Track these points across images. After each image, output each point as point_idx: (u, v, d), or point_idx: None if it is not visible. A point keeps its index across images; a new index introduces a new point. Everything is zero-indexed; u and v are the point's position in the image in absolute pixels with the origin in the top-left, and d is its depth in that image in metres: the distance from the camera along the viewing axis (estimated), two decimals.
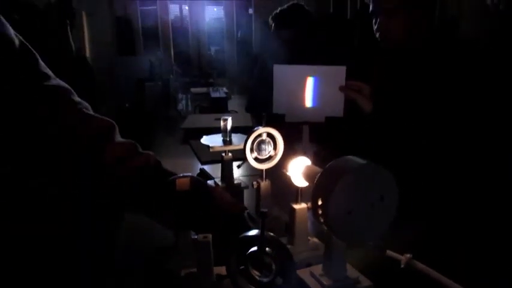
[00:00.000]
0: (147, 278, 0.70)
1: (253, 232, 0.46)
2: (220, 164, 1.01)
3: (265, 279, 0.45)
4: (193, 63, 5.88)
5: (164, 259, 0.71)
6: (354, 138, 1.31)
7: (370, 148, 0.99)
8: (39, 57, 0.75)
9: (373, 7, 1.30)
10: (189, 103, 2.81)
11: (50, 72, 0.76)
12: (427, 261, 0.62)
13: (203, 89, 3.18)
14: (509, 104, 1.11)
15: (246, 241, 0.45)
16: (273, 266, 0.45)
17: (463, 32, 1.02)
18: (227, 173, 0.98)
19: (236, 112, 2.42)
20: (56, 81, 0.77)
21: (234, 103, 2.86)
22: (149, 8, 6.45)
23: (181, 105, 2.73)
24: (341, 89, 1.20)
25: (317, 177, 0.54)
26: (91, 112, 0.78)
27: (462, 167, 1.07)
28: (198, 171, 1.23)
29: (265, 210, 0.45)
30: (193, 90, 3.16)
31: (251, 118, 2.05)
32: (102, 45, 5.37)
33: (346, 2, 3.86)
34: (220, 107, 2.45)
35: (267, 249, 0.45)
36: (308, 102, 1.23)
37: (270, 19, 2.22)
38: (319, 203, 0.51)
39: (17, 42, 0.71)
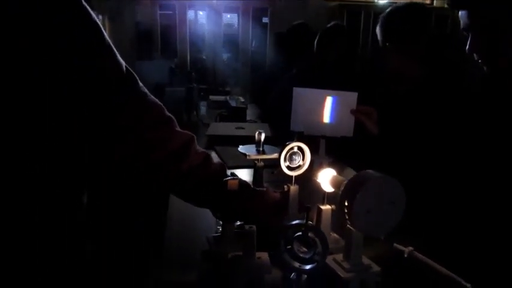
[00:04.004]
0: (201, 259, 0.87)
1: (298, 221, 0.63)
2: (245, 169, 1.19)
3: (306, 256, 0.62)
4: (209, 70, 6.01)
5: (213, 245, 0.88)
6: (362, 155, 1.46)
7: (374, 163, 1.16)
8: (137, 77, 0.81)
9: None
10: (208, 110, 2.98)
11: (146, 90, 0.82)
12: (425, 253, 0.80)
13: (221, 97, 3.35)
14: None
15: (293, 227, 0.63)
16: (313, 246, 0.62)
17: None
18: (258, 177, 1.15)
19: (255, 122, 2.60)
20: (151, 97, 0.83)
21: (249, 112, 3.02)
22: (167, 12, 6.59)
23: (200, 112, 2.90)
24: (352, 112, 1.34)
25: (344, 184, 0.71)
26: (177, 128, 0.86)
27: (459, 179, 1.22)
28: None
29: (308, 205, 0.63)
30: (212, 98, 3.33)
31: (269, 128, 2.22)
32: (122, 49, 5.54)
33: (359, 30, 4.08)
34: (240, 116, 2.62)
35: (309, 234, 0.62)
36: (326, 118, 1.41)
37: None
38: (346, 204, 0.69)
39: (123, 66, 0.77)
